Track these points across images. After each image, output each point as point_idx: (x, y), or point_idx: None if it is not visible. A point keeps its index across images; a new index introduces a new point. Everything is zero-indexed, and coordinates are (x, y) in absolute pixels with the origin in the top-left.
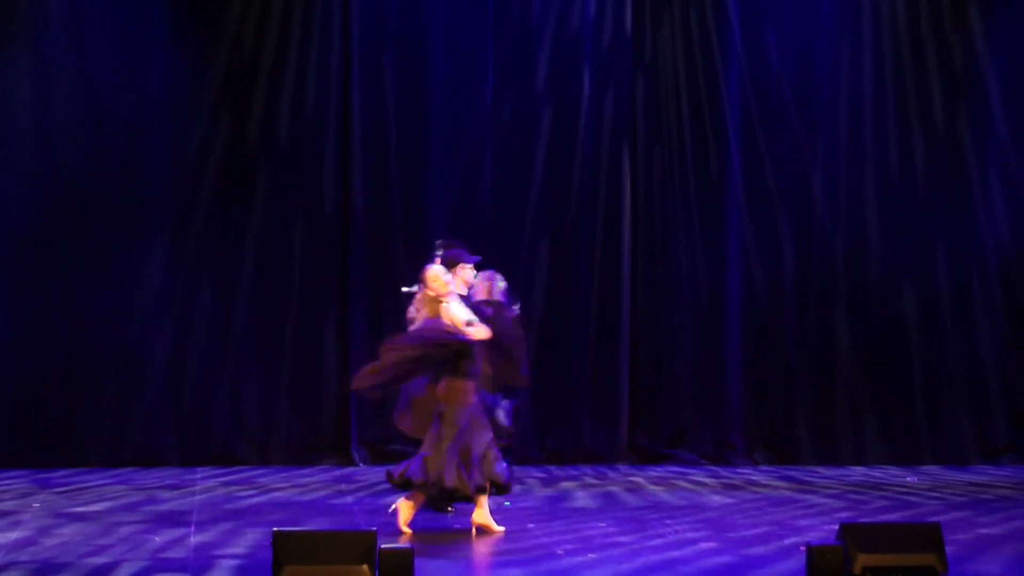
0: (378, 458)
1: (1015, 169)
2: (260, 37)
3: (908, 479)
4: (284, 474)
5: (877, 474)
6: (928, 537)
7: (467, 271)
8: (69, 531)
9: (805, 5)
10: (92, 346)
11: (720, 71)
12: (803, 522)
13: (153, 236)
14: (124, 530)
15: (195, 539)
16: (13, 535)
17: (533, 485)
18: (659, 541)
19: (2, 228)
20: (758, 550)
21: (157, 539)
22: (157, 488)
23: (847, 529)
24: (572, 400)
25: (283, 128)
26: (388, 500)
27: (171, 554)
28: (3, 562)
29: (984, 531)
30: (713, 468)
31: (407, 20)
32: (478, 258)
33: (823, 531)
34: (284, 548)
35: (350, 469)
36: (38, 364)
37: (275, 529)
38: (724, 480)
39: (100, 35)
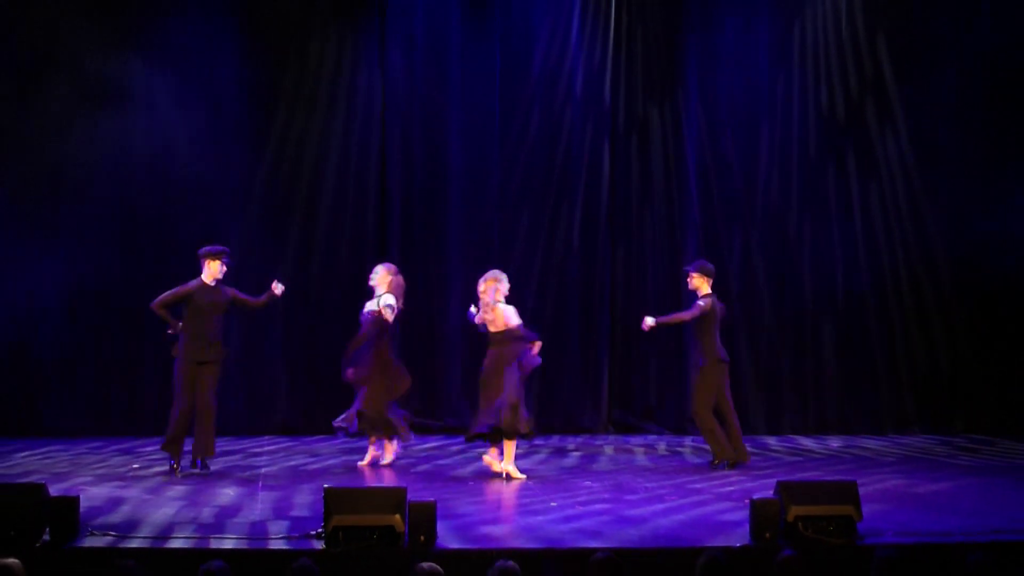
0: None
1: (916, 179)
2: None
3: (832, 445)
4: (330, 443)
5: (810, 442)
6: (847, 492)
7: None
8: (182, 491)
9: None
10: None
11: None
12: (747, 479)
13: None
14: (232, 491)
15: (299, 499)
16: (142, 497)
17: (534, 451)
18: (633, 496)
19: (112, 234)
20: (710, 500)
21: (231, 492)
22: (236, 453)
23: (782, 486)
24: (563, 383)
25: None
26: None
27: (297, 513)
28: (167, 520)
29: (891, 484)
30: (676, 437)
31: (430, 121)
32: None
33: (763, 487)
34: (333, 501)
35: None
36: (125, 346)
37: (325, 486)
38: (685, 447)
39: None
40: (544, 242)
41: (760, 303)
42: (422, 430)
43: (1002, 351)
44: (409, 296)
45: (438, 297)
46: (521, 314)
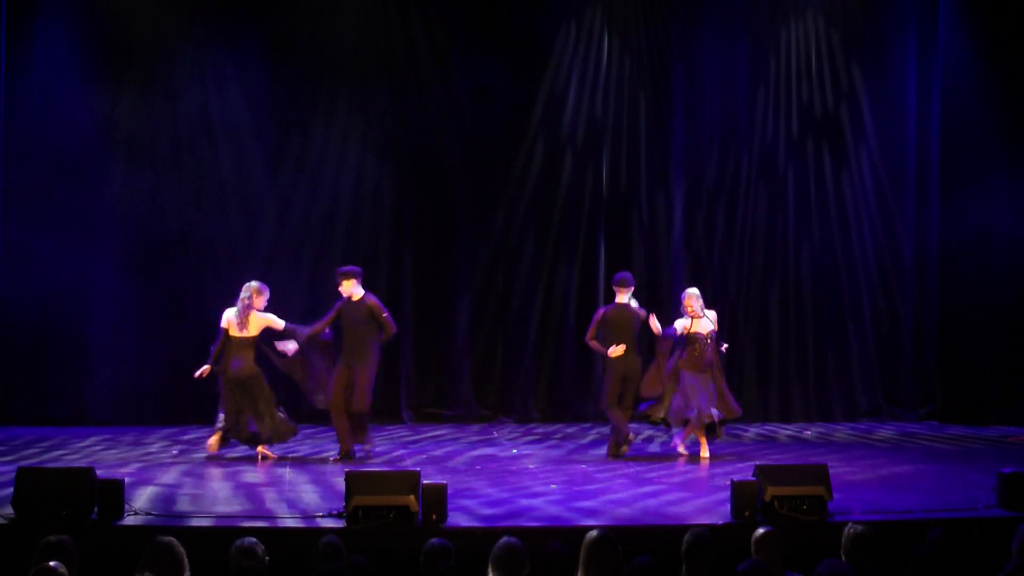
0: (421, 418)
1: (882, 171)
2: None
3: (805, 433)
4: None
5: (785, 430)
6: (818, 474)
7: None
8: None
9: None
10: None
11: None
12: (729, 462)
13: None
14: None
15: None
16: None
17: (533, 438)
18: (625, 478)
19: (162, 245)
20: (692, 482)
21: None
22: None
23: (760, 469)
24: (562, 377)
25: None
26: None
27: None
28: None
29: (859, 467)
30: (657, 427)
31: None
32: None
33: (743, 470)
34: (354, 483)
35: (399, 426)
36: (175, 346)
37: (347, 470)
38: (663, 435)
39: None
40: (550, 253)
41: (752, 314)
42: (432, 419)
43: (960, 345)
44: (422, 308)
45: (448, 311)
46: (526, 324)
